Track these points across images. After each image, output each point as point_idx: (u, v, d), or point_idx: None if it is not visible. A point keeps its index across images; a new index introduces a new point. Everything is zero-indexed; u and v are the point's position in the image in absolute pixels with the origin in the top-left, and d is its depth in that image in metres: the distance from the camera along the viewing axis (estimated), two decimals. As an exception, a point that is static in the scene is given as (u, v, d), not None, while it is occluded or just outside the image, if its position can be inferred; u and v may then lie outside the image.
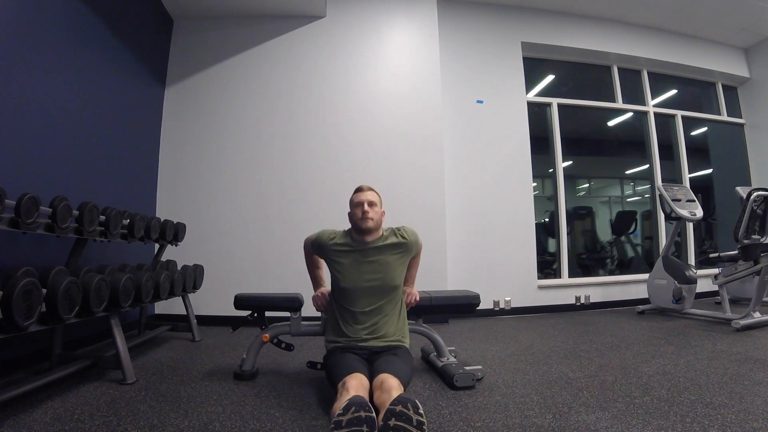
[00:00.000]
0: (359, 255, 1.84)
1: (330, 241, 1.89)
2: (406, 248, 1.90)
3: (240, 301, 2.16)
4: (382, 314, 1.81)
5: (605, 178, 6.26)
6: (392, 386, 1.38)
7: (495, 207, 4.02)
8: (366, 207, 1.82)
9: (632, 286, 4.34)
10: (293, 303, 2.11)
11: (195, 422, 1.49)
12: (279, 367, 2.24)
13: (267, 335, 2.06)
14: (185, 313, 2.96)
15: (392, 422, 1.11)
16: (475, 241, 3.94)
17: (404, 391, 1.44)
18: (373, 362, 1.65)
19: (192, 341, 2.90)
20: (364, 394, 1.38)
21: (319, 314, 2.01)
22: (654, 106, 4.90)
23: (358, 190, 1.92)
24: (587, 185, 6.14)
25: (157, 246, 3.18)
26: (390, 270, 1.84)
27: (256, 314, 2.17)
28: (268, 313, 2.18)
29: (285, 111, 3.79)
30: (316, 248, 1.95)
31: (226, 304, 2.40)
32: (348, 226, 1.93)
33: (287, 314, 2.11)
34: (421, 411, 1.13)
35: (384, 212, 1.93)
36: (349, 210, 1.90)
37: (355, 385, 1.41)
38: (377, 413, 1.24)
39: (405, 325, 1.89)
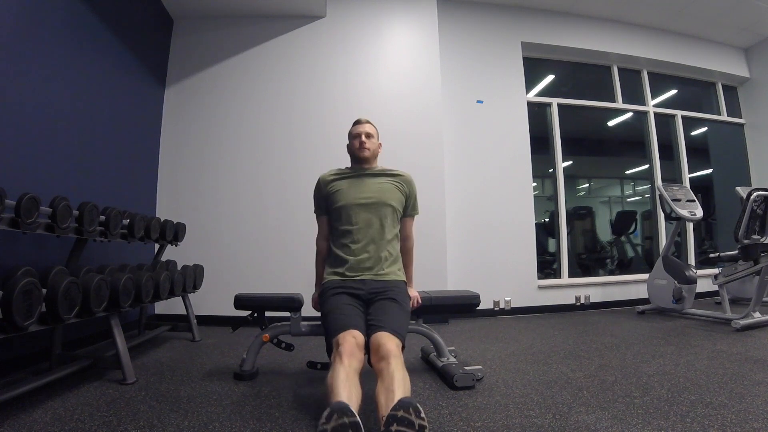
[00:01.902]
0: (356, 179, 1.92)
1: (329, 176, 1.95)
2: (402, 180, 1.98)
3: (240, 301, 2.16)
4: (377, 236, 1.80)
5: (605, 178, 6.26)
6: (390, 351, 1.37)
7: (495, 207, 4.02)
8: (363, 138, 1.94)
9: (632, 286, 4.34)
10: (293, 303, 2.11)
11: (195, 422, 1.49)
12: (279, 367, 2.24)
13: (267, 335, 2.06)
14: (185, 313, 2.96)
15: (394, 428, 1.11)
16: (475, 241, 3.94)
17: (401, 345, 1.46)
18: (370, 305, 1.65)
19: (192, 341, 2.90)
20: (359, 355, 1.39)
21: (318, 314, 2.01)
22: (654, 106, 4.91)
23: (357, 122, 2.02)
24: (587, 185, 6.14)
25: (157, 246, 3.18)
26: (385, 191, 1.88)
27: (256, 314, 2.17)
28: (268, 313, 2.18)
29: (285, 111, 3.79)
30: (318, 196, 1.95)
31: (226, 304, 2.40)
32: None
33: (287, 314, 2.11)
34: (423, 415, 1.13)
35: (381, 144, 2.05)
36: (347, 143, 2.01)
37: (349, 349, 1.38)
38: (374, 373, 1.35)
39: (399, 258, 1.93)
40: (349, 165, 2.04)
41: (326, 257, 1.90)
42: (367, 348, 1.46)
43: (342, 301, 1.64)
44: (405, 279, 1.89)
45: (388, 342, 1.41)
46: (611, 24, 4.69)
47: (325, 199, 1.92)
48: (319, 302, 1.78)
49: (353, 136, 1.99)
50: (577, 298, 4.16)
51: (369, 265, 1.76)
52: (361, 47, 3.90)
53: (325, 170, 2.07)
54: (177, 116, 3.77)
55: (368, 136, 1.95)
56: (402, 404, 1.15)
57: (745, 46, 5.24)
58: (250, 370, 2.04)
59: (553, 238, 4.56)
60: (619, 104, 4.79)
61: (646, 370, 2.06)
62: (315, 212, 1.99)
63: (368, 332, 1.51)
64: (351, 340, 1.42)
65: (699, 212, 3.61)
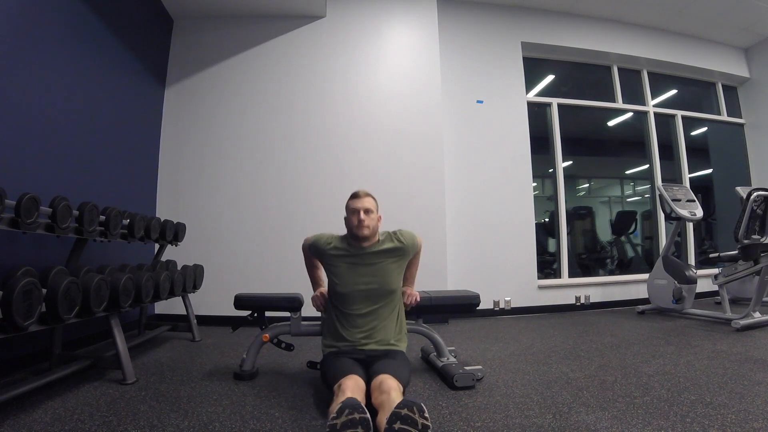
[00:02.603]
0: (355, 259, 1.84)
1: (327, 246, 1.88)
2: (403, 252, 1.90)
3: (240, 301, 2.16)
4: (379, 318, 1.81)
5: (605, 178, 6.26)
6: (391, 387, 1.38)
7: (495, 207, 4.02)
8: (362, 215, 1.80)
9: (632, 286, 4.34)
10: (293, 303, 2.11)
11: (195, 422, 1.49)
12: (279, 367, 2.24)
13: (267, 335, 2.06)
14: (185, 313, 2.96)
15: (397, 426, 1.11)
16: (475, 241, 3.94)
17: (403, 392, 1.44)
18: (370, 365, 1.64)
19: (192, 341, 2.90)
20: (360, 396, 1.38)
21: (318, 314, 2.01)
22: (654, 106, 4.90)
23: (355, 196, 1.89)
24: (587, 185, 6.14)
25: (157, 246, 3.18)
26: (386, 274, 1.84)
27: (256, 314, 2.17)
28: (268, 313, 2.18)
29: (285, 111, 3.79)
30: (313, 251, 1.95)
31: (226, 304, 2.40)
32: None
33: (287, 314, 2.11)
34: (427, 415, 1.13)
35: (380, 217, 1.92)
36: (345, 215, 1.89)
37: (351, 386, 1.41)
38: (375, 415, 1.26)
39: (403, 328, 1.89)
40: (339, 234, 1.96)
41: (325, 324, 1.91)
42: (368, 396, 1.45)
43: (344, 359, 1.67)
44: (404, 350, 1.84)
45: (390, 380, 1.43)
46: (611, 24, 4.69)
47: (321, 258, 1.93)
48: (321, 369, 1.78)
49: (351, 211, 1.85)
50: (577, 298, 4.16)
51: (371, 340, 1.78)
52: (361, 47, 3.90)
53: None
54: (177, 116, 3.77)
55: (367, 212, 1.82)
56: (406, 403, 1.15)
57: (745, 46, 5.24)
58: (250, 370, 2.04)
59: (553, 238, 4.56)
60: (619, 104, 4.79)
61: (646, 370, 2.06)
62: (305, 243, 1.99)
63: (369, 381, 1.51)
64: (352, 381, 1.45)
65: (699, 212, 3.61)
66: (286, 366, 2.27)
